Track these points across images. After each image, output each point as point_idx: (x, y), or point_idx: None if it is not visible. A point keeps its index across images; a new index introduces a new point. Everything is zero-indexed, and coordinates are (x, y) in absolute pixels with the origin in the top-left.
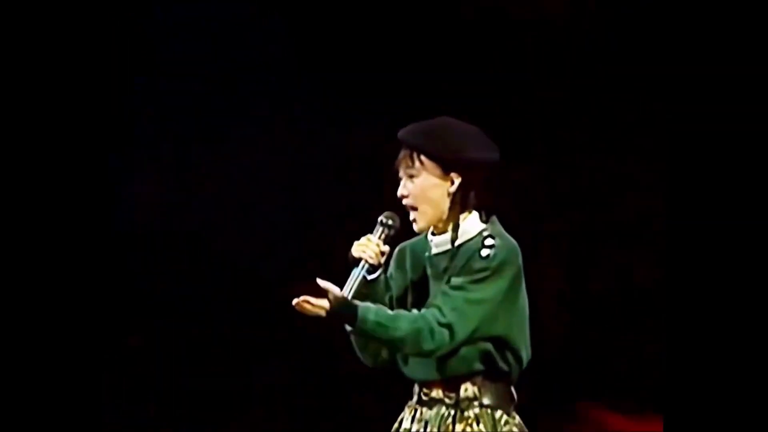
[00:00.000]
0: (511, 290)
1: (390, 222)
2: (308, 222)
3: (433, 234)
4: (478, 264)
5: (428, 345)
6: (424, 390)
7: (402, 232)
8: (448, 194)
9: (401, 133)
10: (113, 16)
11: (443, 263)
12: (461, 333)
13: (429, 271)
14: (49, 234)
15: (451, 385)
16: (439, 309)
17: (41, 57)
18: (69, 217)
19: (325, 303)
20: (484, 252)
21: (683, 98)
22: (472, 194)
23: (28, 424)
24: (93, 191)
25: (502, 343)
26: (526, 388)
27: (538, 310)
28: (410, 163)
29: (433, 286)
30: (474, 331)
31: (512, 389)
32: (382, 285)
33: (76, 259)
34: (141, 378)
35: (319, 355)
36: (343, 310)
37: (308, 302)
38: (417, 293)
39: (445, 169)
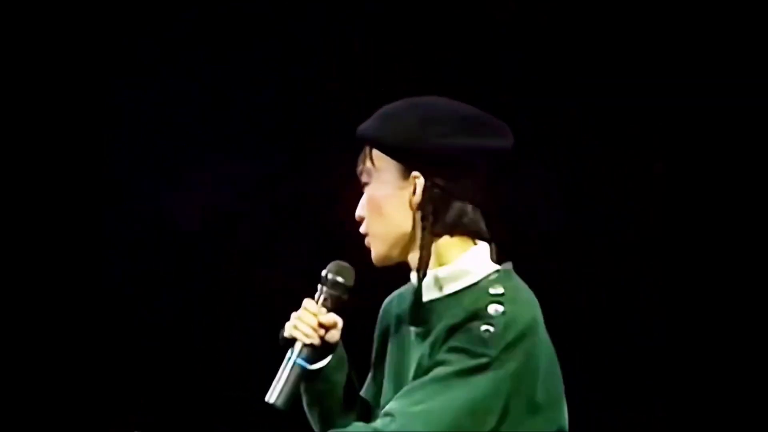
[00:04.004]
0: (524, 378)
1: (336, 278)
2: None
3: (418, 273)
4: (471, 344)
5: None
6: None
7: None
8: (410, 206)
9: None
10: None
11: (425, 321)
12: None
13: (412, 331)
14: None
15: None
16: (392, 416)
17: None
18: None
19: None
20: (485, 328)
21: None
22: (453, 206)
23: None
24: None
25: None
26: None
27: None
28: (362, 165)
29: (412, 358)
30: None
31: None
32: (337, 376)
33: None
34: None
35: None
36: None
37: None
38: (396, 371)
39: (405, 167)
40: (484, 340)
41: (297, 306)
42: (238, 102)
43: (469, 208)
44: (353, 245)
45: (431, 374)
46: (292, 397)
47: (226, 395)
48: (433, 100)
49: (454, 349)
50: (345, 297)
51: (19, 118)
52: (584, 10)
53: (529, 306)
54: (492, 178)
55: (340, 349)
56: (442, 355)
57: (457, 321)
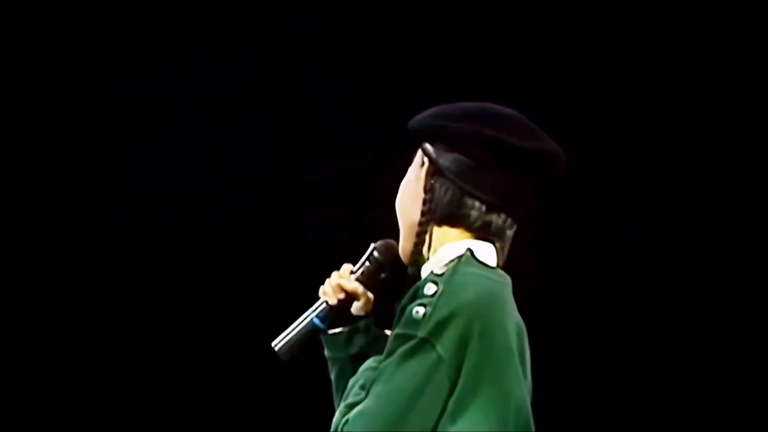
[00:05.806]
0: (464, 362)
1: (375, 253)
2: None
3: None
4: (404, 327)
5: None
6: None
7: None
8: (417, 193)
9: None
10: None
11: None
12: None
13: None
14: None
15: None
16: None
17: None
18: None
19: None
20: (416, 310)
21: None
22: (457, 198)
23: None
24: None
25: None
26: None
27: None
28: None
29: None
30: None
31: None
32: (349, 350)
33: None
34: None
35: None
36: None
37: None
38: None
39: (423, 153)
40: (415, 321)
41: (297, 305)
42: (238, 102)
43: (478, 204)
44: (353, 243)
45: (378, 370)
46: (294, 349)
47: (226, 395)
48: (484, 103)
49: (394, 337)
50: (379, 274)
51: (19, 117)
52: (584, 10)
53: (472, 291)
54: (531, 187)
55: (365, 325)
56: (388, 346)
57: (403, 304)
